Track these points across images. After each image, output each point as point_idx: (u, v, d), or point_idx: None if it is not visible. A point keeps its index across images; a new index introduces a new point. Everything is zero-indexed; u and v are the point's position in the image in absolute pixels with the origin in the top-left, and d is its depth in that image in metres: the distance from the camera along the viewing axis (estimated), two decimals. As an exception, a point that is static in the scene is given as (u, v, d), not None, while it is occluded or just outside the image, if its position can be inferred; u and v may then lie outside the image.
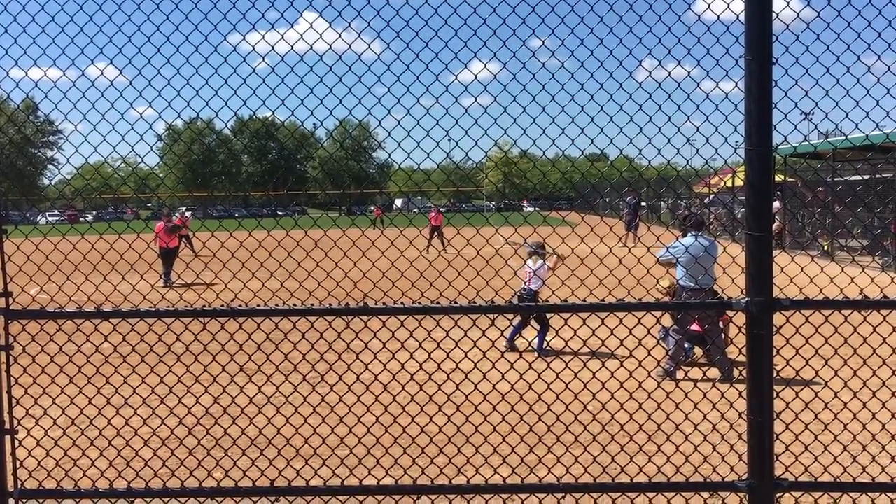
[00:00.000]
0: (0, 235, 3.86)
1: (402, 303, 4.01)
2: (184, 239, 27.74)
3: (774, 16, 3.53)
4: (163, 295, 18.45)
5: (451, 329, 4.26)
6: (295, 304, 4.07)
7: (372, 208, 43.30)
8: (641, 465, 4.82)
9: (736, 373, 7.20)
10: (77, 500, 4.36)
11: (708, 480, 4.70)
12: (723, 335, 8.46)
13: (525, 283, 10.77)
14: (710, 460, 4.86)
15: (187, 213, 31.93)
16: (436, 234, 26.97)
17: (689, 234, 9.08)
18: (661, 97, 3.92)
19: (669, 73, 3.94)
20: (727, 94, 3.84)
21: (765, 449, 3.67)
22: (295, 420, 4.99)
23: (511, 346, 10.08)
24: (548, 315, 10.50)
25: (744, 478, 3.76)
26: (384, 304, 3.98)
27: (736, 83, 3.65)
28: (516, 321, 10.53)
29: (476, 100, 4.17)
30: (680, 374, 7.50)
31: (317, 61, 4.13)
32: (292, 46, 4.07)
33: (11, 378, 3.97)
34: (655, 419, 4.89)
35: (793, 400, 4.47)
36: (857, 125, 3.91)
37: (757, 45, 3.51)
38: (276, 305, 4.03)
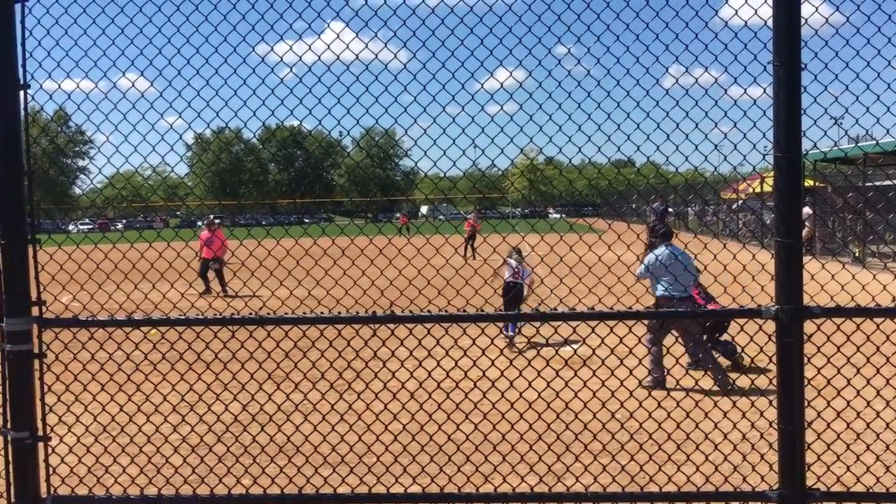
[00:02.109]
0: (33, 245, 3.93)
1: (428, 311, 4.02)
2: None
3: (803, 21, 3.50)
4: (192, 303, 18.58)
5: (477, 337, 4.26)
6: (322, 313, 4.10)
7: (398, 216, 42.96)
8: (671, 474, 4.79)
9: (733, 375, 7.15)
10: (108, 506, 4.41)
11: (738, 490, 4.65)
12: (707, 342, 8.54)
13: (506, 278, 12.17)
14: (741, 470, 4.81)
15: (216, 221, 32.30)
16: (470, 241, 27.28)
17: (661, 245, 9.21)
18: (689, 103, 3.90)
19: (696, 79, 3.92)
20: (755, 100, 3.81)
21: (796, 458, 3.62)
22: (322, 428, 5.02)
23: (511, 343, 10.92)
24: (574, 322, 10.75)
25: (774, 488, 3.72)
26: (410, 312, 3.99)
27: (764, 89, 3.63)
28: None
29: (502, 108, 4.18)
30: (708, 383, 7.43)
31: (343, 71, 4.16)
32: (319, 57, 4.11)
33: (44, 385, 4.03)
34: (684, 428, 4.85)
35: (824, 409, 4.42)
36: (888, 130, 3.87)
37: (785, 51, 3.49)
38: (304, 314, 4.06)
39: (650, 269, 8.96)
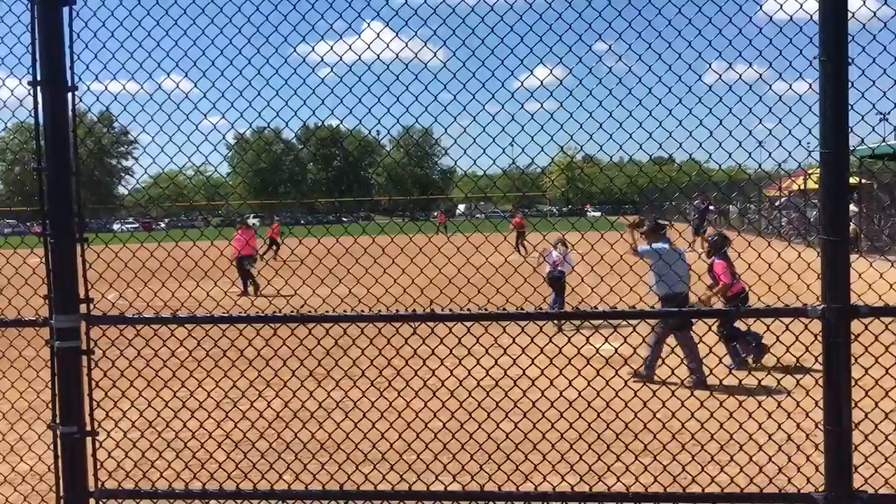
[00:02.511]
0: (81, 243, 4.01)
1: (468, 309, 4.02)
2: (273, 245, 28.45)
3: (849, 15, 3.44)
4: (235, 301, 18.82)
5: (517, 335, 4.25)
6: (363, 311, 4.12)
7: (436, 213, 42.88)
8: (714, 475, 4.73)
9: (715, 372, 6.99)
10: (154, 500, 4.49)
11: (783, 492, 4.58)
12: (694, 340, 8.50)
13: (553, 266, 13.53)
14: (786, 471, 4.73)
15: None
16: (520, 238, 27.76)
17: (661, 242, 9.22)
18: (732, 100, 3.85)
19: (741, 75, 3.87)
20: (801, 96, 3.75)
21: (843, 460, 3.56)
22: (363, 425, 5.05)
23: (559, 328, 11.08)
24: (614, 321, 11.03)
25: (820, 490, 3.65)
26: (450, 310, 4.00)
27: (810, 84, 3.56)
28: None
29: (542, 105, 4.16)
30: (753, 382, 7.33)
31: (383, 70, 4.19)
32: (359, 56, 4.14)
33: (92, 381, 4.11)
34: (728, 428, 4.79)
35: (872, 410, 4.33)
36: (938, 126, 3.77)
37: (832, 46, 3.42)
38: (345, 312, 4.09)
39: (650, 257, 8.70)
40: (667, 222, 9.55)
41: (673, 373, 4.60)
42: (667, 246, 9.09)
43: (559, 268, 13.50)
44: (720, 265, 9.91)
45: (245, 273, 19.51)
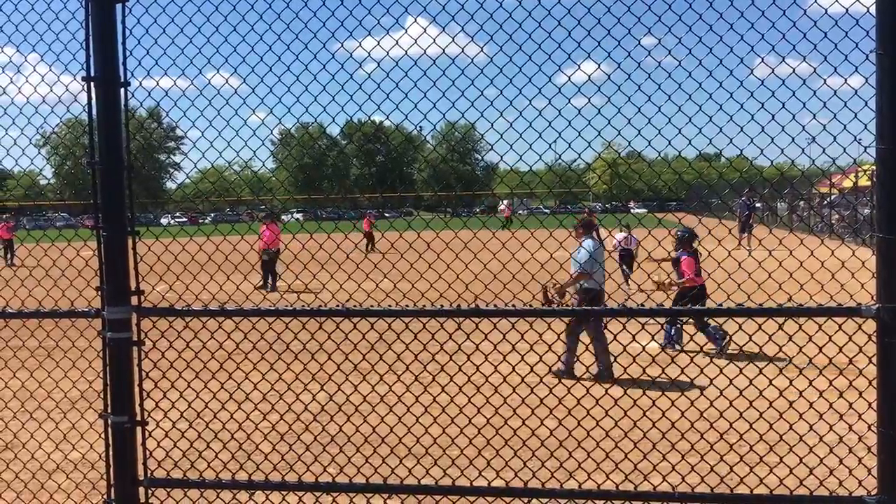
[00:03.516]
0: (133, 236, 4.08)
1: (512, 305, 4.01)
2: (369, 239, 28.65)
3: (909, 6, 3.34)
4: (282, 294, 19.04)
5: (562, 332, 4.23)
6: (407, 305, 4.13)
7: (502, 208, 41.90)
8: (762, 476, 4.65)
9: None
10: (201, 490, 4.57)
11: (834, 495, 4.50)
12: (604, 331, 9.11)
13: (620, 244, 18.04)
14: (837, 474, 4.64)
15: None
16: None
17: (587, 237, 9.61)
18: (784, 94, 3.77)
19: (794, 69, 3.78)
20: (856, 91, 3.65)
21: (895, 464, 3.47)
22: (407, 419, 5.06)
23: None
24: (661, 319, 11.15)
25: (873, 493, 3.57)
26: (495, 305, 3.99)
27: (866, 79, 3.47)
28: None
29: (589, 100, 4.12)
30: (803, 383, 7.17)
31: (430, 65, 4.19)
32: (406, 52, 4.14)
33: (142, 372, 4.19)
34: (777, 429, 4.71)
35: (928, 413, 4.21)
36: None
37: (889, 38, 3.33)
38: (390, 306, 4.11)
39: (591, 260, 9.17)
40: (595, 219, 10.25)
41: (721, 372, 4.53)
42: (592, 242, 9.49)
43: (626, 246, 18.01)
44: (687, 261, 10.69)
45: (268, 266, 19.72)
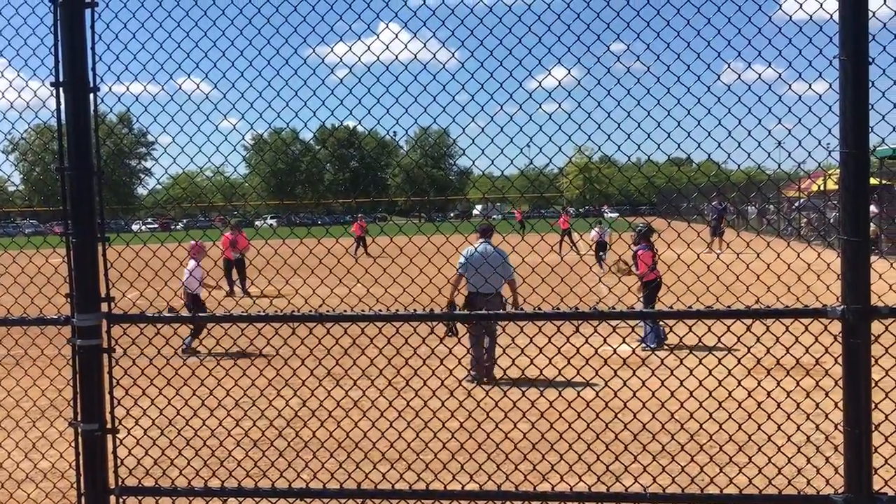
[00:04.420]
0: (102, 242, 4.05)
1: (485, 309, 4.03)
2: (360, 242, 28.40)
3: (870, 14, 3.41)
4: (254, 300, 18.94)
5: (534, 335, 4.25)
6: (381, 310, 4.14)
7: (514, 212, 41.30)
8: (731, 476, 4.71)
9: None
10: (174, 497, 4.53)
11: (802, 493, 4.56)
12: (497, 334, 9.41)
13: (599, 236, 22.62)
14: (805, 473, 4.71)
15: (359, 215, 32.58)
16: (566, 237, 28.24)
17: (479, 241, 9.94)
18: (751, 99, 3.83)
19: (760, 74, 3.85)
20: (821, 96, 3.72)
21: (862, 462, 3.53)
22: (381, 424, 5.07)
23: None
24: (632, 321, 11.46)
25: (840, 492, 3.63)
26: (468, 310, 4.01)
27: (830, 84, 3.54)
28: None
29: (560, 105, 4.16)
30: (771, 384, 7.26)
31: (401, 71, 4.20)
32: (378, 57, 4.16)
33: (113, 379, 4.15)
34: (746, 429, 4.77)
35: (892, 412, 4.31)
36: (960, 126, 3.73)
37: (852, 45, 3.40)
38: (362, 311, 4.11)
39: (466, 263, 9.61)
40: (491, 226, 10.40)
41: (691, 373, 4.59)
42: (489, 247, 9.80)
43: (600, 238, 22.55)
44: (646, 255, 11.44)
45: (229, 273, 19.65)
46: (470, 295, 9.59)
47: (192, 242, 11.14)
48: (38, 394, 5.75)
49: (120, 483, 4.27)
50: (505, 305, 9.52)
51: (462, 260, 9.70)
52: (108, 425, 4.13)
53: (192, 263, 10.48)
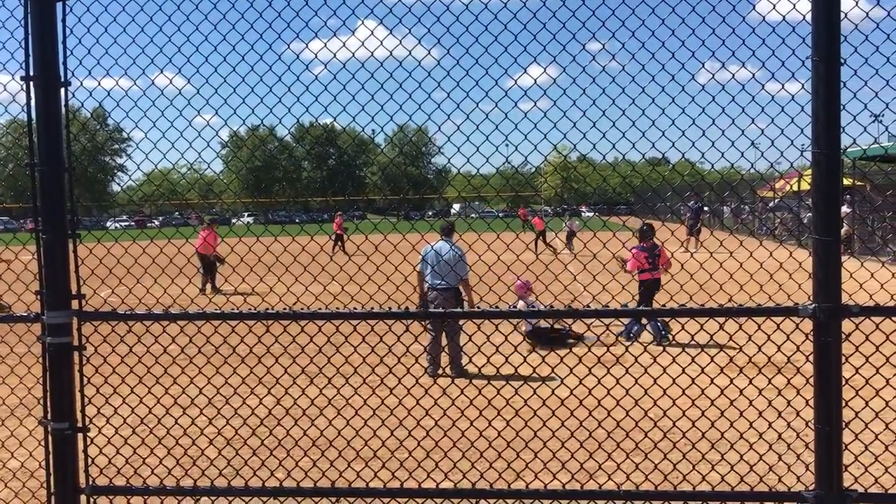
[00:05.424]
0: (73, 239, 4.00)
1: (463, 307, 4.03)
2: (338, 240, 28.35)
3: (842, 15, 3.45)
4: (228, 297, 18.82)
5: (510, 333, 4.26)
6: (355, 308, 4.12)
7: (519, 210, 41.13)
8: (704, 473, 4.75)
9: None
10: (145, 497, 4.49)
11: (773, 490, 4.61)
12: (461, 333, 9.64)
13: (570, 228, 28.43)
14: (776, 470, 4.76)
15: (338, 213, 32.54)
16: (540, 237, 28.59)
17: (444, 241, 10.21)
18: (725, 99, 3.86)
19: (733, 75, 3.88)
20: (793, 96, 3.76)
21: (832, 459, 3.57)
22: (355, 422, 5.05)
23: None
24: (606, 320, 11.60)
25: (811, 488, 3.67)
26: (442, 308, 4.00)
27: (802, 85, 3.58)
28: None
29: (535, 104, 4.16)
30: (743, 382, 7.34)
31: (377, 68, 4.19)
32: (353, 53, 4.14)
33: (84, 378, 4.10)
34: (719, 427, 4.81)
35: (862, 409, 4.35)
36: (929, 127, 3.78)
37: (824, 46, 3.43)
38: (337, 309, 4.09)
39: (422, 260, 10.00)
40: (451, 225, 10.60)
41: (665, 371, 4.62)
42: (445, 245, 10.02)
43: (571, 228, 28.30)
44: (640, 255, 11.46)
45: (208, 270, 19.52)
46: (427, 290, 9.94)
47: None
48: (8, 392, 5.67)
49: (91, 482, 4.22)
50: (462, 303, 9.75)
51: (420, 257, 10.01)
52: (79, 424, 4.07)
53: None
